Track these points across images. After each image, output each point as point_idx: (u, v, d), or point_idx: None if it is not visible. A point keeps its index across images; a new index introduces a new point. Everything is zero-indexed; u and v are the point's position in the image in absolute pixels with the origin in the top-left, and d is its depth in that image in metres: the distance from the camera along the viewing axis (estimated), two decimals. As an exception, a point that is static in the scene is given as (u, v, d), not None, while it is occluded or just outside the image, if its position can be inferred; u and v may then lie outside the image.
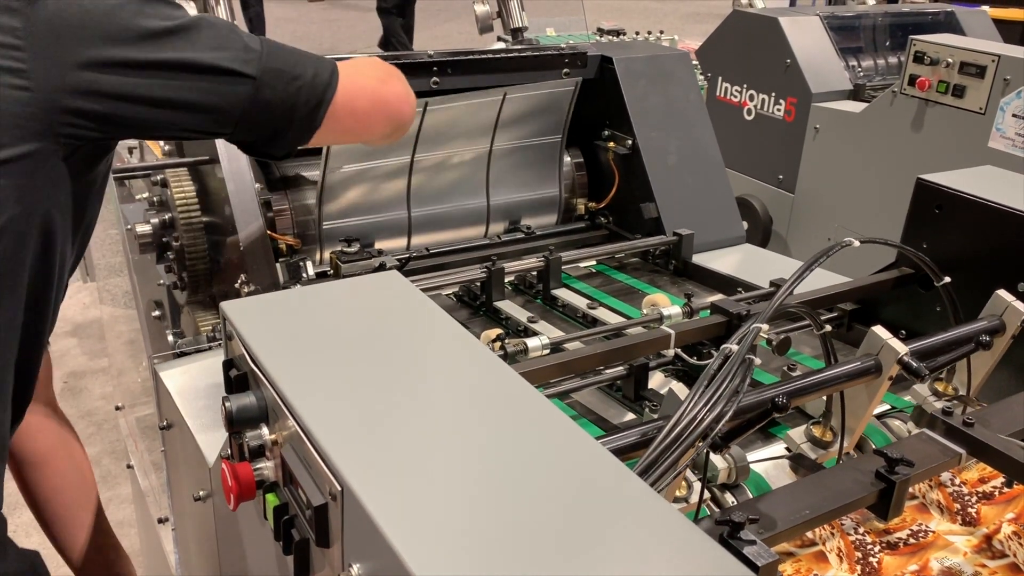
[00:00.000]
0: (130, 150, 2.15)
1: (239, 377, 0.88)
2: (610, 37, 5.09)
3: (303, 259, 1.62)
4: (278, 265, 1.56)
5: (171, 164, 1.68)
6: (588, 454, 0.71)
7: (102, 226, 2.36)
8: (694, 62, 3.79)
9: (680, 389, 0.95)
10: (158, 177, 1.71)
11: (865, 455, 1.10)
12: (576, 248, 1.84)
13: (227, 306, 0.92)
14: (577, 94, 1.92)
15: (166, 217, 1.67)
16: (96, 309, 3.88)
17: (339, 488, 0.67)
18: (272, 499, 0.82)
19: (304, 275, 1.60)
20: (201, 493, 1.26)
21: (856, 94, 3.47)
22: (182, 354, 1.54)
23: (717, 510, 1.01)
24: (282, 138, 1.14)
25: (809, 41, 3.51)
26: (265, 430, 0.84)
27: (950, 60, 2.93)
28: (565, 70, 1.92)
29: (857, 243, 1.19)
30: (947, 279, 1.27)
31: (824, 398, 1.11)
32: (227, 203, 1.49)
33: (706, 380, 0.87)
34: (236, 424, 0.84)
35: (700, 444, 0.82)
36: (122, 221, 1.77)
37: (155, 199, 1.70)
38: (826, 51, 3.54)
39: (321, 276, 1.64)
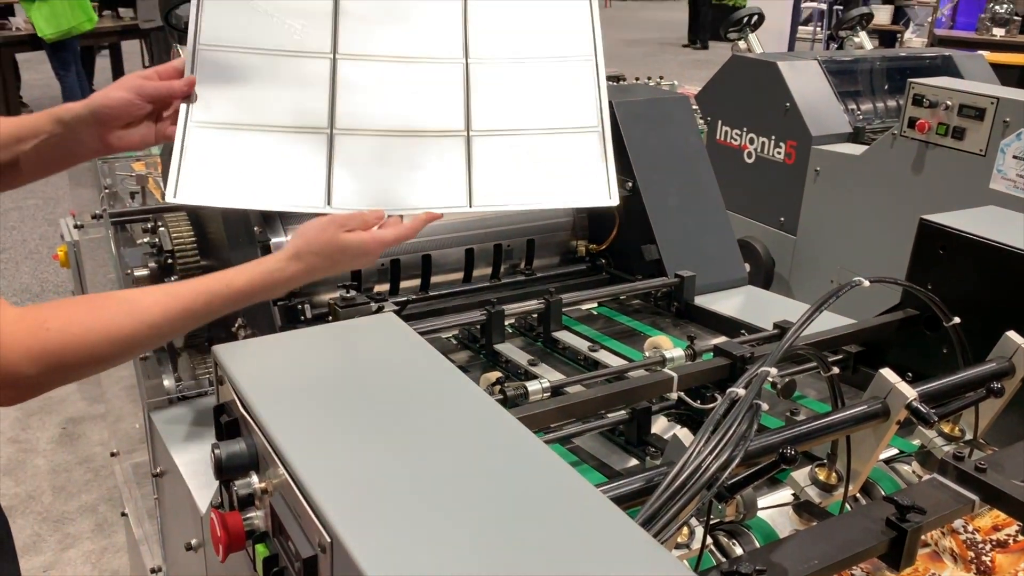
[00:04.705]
0: (132, 195, 2.15)
1: (230, 423, 0.85)
2: (610, 83, 5.13)
3: (301, 302, 1.60)
4: (276, 309, 1.54)
5: (169, 208, 1.67)
6: (588, 504, 0.68)
7: (101, 270, 2.35)
8: (693, 107, 3.81)
9: (685, 435, 0.92)
10: (156, 222, 1.70)
11: (875, 502, 1.07)
12: (577, 290, 1.82)
13: (219, 350, 0.90)
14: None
15: (165, 261, 1.66)
16: (95, 354, 3.85)
17: (328, 540, 0.65)
18: (262, 550, 0.79)
19: (302, 318, 1.59)
20: (193, 542, 1.23)
21: (856, 137, 3.48)
22: (182, 398, 1.51)
23: (722, 558, 0.98)
24: None
25: (808, 85, 3.53)
26: (255, 478, 0.82)
27: (949, 103, 2.94)
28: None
29: (867, 283, 1.16)
30: (957, 319, 1.24)
31: (830, 440, 1.08)
32: (225, 246, 1.47)
33: (712, 426, 0.84)
34: (225, 472, 0.82)
35: (706, 493, 0.79)
36: (118, 265, 1.76)
37: (155, 243, 1.69)
38: (825, 95, 3.56)
39: (319, 319, 1.62)
